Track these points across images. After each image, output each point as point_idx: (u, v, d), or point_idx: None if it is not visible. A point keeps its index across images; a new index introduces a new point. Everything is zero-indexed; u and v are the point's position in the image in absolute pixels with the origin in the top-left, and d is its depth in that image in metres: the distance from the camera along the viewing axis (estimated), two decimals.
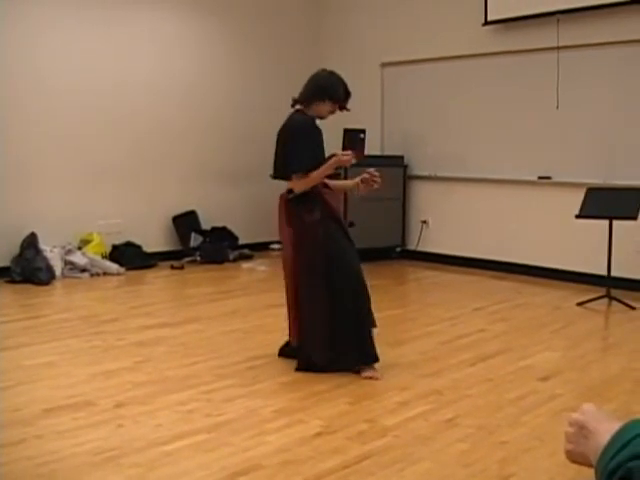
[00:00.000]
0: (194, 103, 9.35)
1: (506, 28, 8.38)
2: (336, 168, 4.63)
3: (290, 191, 4.66)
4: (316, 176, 4.59)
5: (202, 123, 9.44)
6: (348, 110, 4.74)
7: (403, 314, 6.60)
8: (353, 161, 4.57)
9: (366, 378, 4.60)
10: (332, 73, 4.73)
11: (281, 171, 4.70)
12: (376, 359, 4.66)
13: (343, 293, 4.58)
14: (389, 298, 7.16)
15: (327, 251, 4.57)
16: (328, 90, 4.63)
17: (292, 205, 4.67)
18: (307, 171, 4.55)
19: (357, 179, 4.69)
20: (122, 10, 8.61)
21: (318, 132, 4.71)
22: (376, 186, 4.65)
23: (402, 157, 9.42)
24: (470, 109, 8.81)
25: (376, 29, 9.71)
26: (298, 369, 4.72)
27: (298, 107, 4.73)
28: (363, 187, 4.66)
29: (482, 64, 8.57)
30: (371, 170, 4.65)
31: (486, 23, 8.43)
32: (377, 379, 4.59)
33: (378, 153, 9.53)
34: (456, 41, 8.80)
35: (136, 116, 8.77)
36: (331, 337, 4.57)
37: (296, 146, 4.56)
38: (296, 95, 4.78)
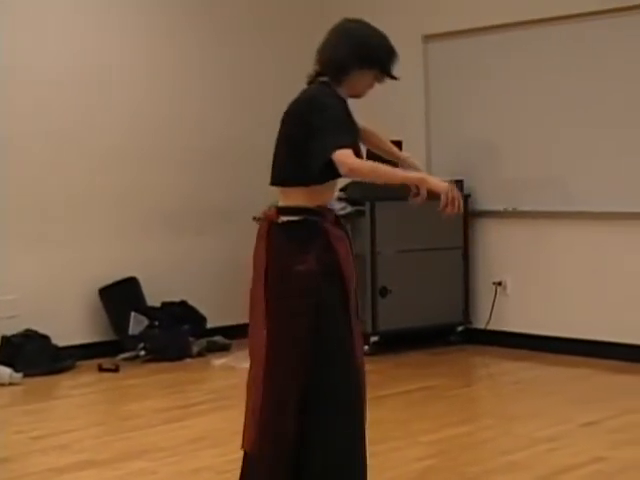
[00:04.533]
0: (133, 106, 7.79)
1: None
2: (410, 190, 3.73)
3: (283, 211, 3.72)
4: (392, 175, 3.66)
5: (146, 140, 7.92)
6: (397, 79, 4.00)
7: (471, 434, 5.83)
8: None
9: None
10: (365, 23, 3.88)
11: (302, 161, 3.66)
12: None
13: (336, 397, 3.67)
14: (449, 408, 6.39)
15: (316, 338, 3.55)
16: (374, 51, 3.77)
17: (278, 236, 3.72)
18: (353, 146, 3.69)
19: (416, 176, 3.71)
20: None
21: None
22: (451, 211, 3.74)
23: (461, 182, 7.86)
24: (567, 102, 7.35)
25: None
26: None
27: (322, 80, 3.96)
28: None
29: (578, 30, 7.17)
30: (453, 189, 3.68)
31: None
32: None
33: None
34: None
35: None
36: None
37: (328, 116, 3.64)
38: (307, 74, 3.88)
